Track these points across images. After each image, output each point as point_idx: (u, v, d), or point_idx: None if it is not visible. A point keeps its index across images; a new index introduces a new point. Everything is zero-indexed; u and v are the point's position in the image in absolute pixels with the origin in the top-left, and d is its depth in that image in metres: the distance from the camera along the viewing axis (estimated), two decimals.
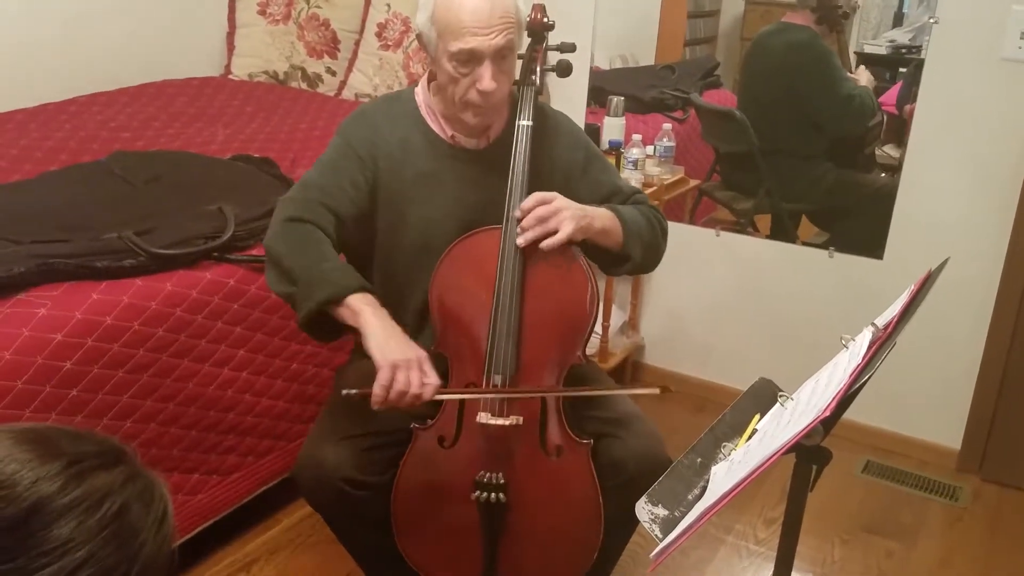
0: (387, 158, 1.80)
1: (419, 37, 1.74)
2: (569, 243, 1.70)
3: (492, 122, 1.80)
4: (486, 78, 1.65)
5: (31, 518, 0.72)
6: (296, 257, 1.68)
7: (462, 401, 1.75)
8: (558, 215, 1.68)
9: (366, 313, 1.61)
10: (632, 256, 1.80)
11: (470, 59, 1.65)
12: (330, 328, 1.69)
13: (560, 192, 1.81)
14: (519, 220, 1.69)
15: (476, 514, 1.77)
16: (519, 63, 1.79)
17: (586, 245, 1.78)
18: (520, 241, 1.69)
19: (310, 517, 2.37)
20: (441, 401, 1.71)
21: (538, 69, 1.79)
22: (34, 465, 0.74)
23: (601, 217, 1.75)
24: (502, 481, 1.74)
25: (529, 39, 1.80)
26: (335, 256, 1.71)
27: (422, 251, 1.80)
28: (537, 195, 1.70)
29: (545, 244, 1.68)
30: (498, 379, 1.71)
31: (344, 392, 1.63)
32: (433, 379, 1.60)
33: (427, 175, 1.80)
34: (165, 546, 0.79)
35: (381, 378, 1.56)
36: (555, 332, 1.74)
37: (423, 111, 1.83)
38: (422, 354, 1.61)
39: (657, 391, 1.70)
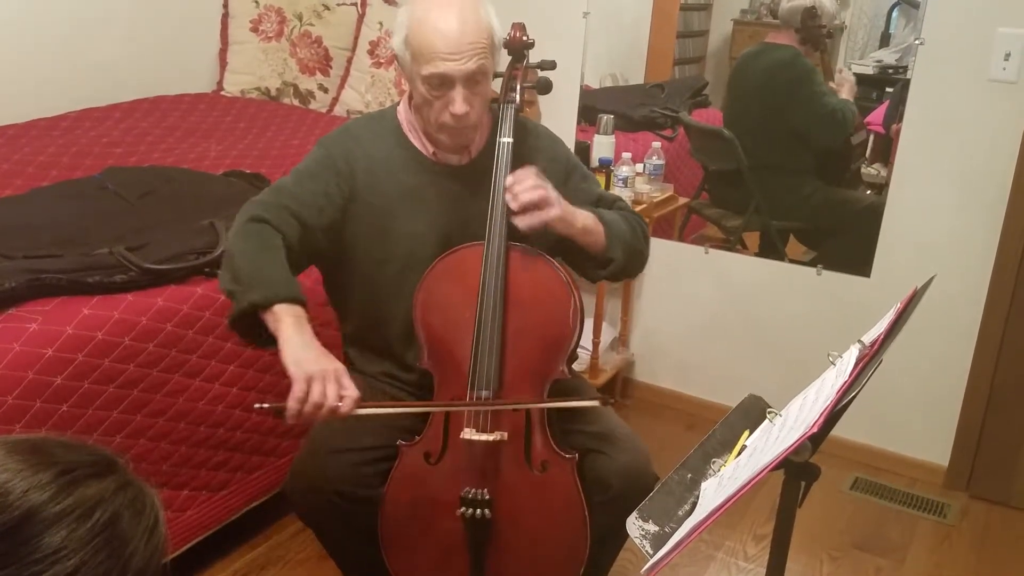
0: (367, 173, 1.80)
1: (396, 58, 1.75)
2: (549, 255, 1.72)
3: (469, 141, 1.81)
4: (458, 102, 1.67)
5: (23, 526, 0.73)
6: (245, 255, 1.66)
7: (447, 417, 1.75)
8: (549, 195, 1.67)
9: (286, 323, 1.58)
10: (615, 258, 1.80)
11: (442, 83, 1.66)
12: (258, 334, 1.65)
13: None
14: (508, 188, 1.67)
15: (462, 530, 1.77)
16: (500, 80, 1.80)
17: (568, 248, 1.78)
18: (514, 205, 1.65)
19: (300, 533, 2.36)
20: (361, 415, 1.60)
21: (518, 87, 1.80)
22: (26, 474, 0.75)
23: (583, 216, 1.76)
24: (487, 497, 1.74)
25: (509, 57, 1.82)
26: (282, 263, 1.67)
27: (406, 267, 1.80)
28: (532, 169, 1.69)
29: (534, 219, 1.65)
30: (483, 394, 1.71)
31: (256, 406, 1.59)
32: (351, 392, 1.55)
33: (410, 191, 1.81)
34: (156, 555, 0.79)
35: (296, 391, 1.51)
36: (538, 346, 1.75)
37: (405, 128, 1.84)
38: (340, 367, 1.57)
39: (596, 403, 1.71)
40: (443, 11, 1.65)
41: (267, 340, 1.65)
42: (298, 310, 1.62)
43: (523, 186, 1.66)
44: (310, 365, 1.53)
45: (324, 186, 1.78)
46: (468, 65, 1.65)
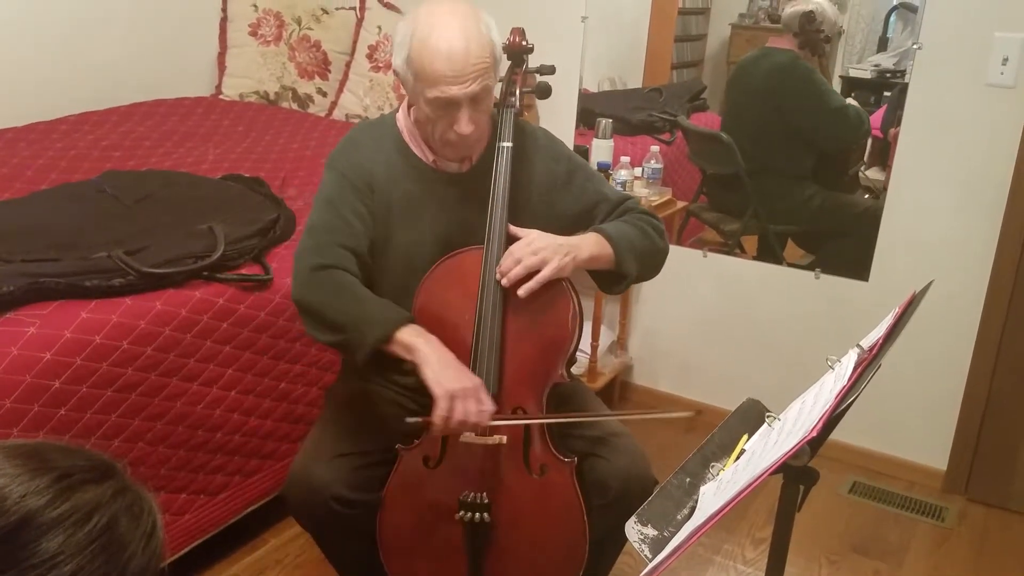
0: (377, 181, 1.81)
1: (396, 74, 1.74)
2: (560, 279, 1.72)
3: (472, 153, 1.81)
4: (463, 122, 1.67)
5: (19, 532, 0.72)
6: (333, 305, 1.69)
7: None
8: (538, 255, 1.69)
9: (419, 345, 1.64)
10: (628, 272, 1.80)
11: (448, 105, 1.66)
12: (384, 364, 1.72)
13: (542, 207, 1.83)
14: (499, 269, 1.70)
15: (461, 534, 1.77)
16: (498, 85, 1.80)
17: (581, 271, 1.79)
18: (504, 282, 1.69)
19: (298, 537, 2.36)
20: (494, 426, 1.70)
21: (518, 91, 1.80)
22: (23, 479, 0.74)
23: (587, 246, 1.75)
24: (486, 501, 1.74)
25: (509, 62, 1.82)
26: (369, 294, 1.72)
27: (406, 272, 1.80)
28: (518, 243, 1.71)
29: (530, 285, 1.68)
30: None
31: (409, 420, 1.66)
32: (488, 406, 1.63)
33: (411, 198, 1.81)
34: (154, 560, 0.79)
35: (440, 408, 1.59)
36: (537, 350, 1.75)
37: (405, 136, 1.84)
38: (478, 382, 1.64)
39: (691, 414, 1.75)
40: (446, 31, 1.63)
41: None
42: (418, 329, 1.67)
43: (507, 264, 1.69)
44: (451, 384, 1.61)
45: (352, 208, 1.78)
46: (473, 88, 1.65)
